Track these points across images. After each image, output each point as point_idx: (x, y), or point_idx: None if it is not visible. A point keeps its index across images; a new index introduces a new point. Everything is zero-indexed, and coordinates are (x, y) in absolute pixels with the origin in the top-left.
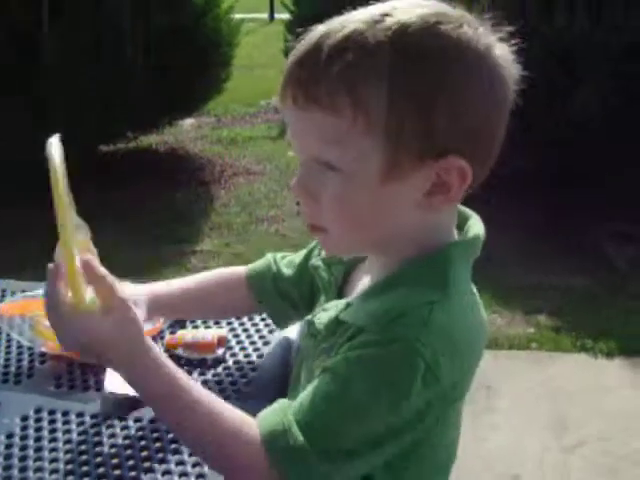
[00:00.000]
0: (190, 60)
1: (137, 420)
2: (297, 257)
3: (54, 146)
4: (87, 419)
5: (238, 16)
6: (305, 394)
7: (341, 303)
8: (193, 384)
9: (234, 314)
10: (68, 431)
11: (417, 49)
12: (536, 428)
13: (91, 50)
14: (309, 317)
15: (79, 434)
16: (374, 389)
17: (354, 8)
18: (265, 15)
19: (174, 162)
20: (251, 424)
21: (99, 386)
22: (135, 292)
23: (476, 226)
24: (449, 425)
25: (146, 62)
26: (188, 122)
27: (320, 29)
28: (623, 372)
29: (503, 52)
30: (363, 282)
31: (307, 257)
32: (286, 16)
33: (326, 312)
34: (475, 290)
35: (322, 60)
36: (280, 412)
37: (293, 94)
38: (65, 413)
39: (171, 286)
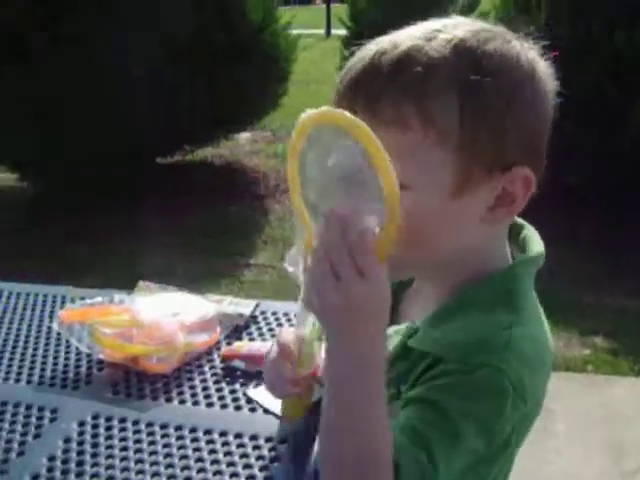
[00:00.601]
0: (247, 75)
1: (192, 430)
2: None
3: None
4: (143, 427)
5: (295, 32)
6: (406, 425)
7: (403, 329)
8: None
9: None
10: (124, 438)
11: (480, 62)
12: (594, 453)
13: (150, 64)
14: None
15: (135, 442)
16: (470, 416)
17: (409, 24)
18: (322, 31)
19: (229, 175)
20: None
21: (155, 395)
22: None
23: (536, 241)
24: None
25: (203, 76)
26: (244, 136)
27: (371, 48)
28: None
29: (544, 67)
30: (420, 304)
31: None
32: (342, 32)
33: (390, 338)
34: (538, 302)
35: (383, 77)
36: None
37: (353, 113)
38: (122, 420)
39: None
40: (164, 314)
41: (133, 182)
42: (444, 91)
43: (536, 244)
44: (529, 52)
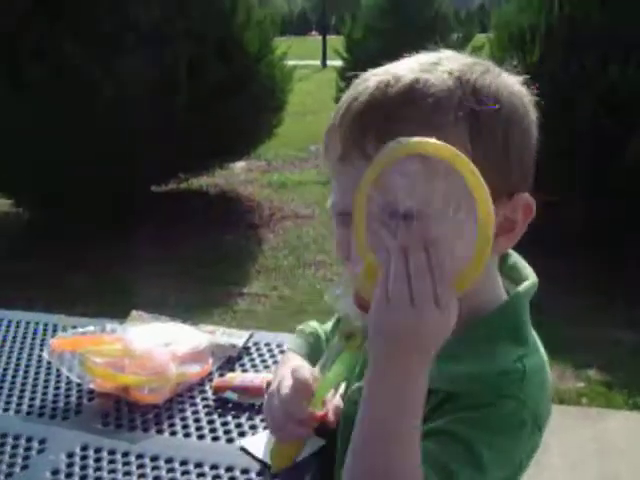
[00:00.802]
0: (243, 105)
1: (183, 462)
2: (329, 324)
3: None
4: (133, 459)
5: (291, 63)
6: (427, 457)
7: None
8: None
9: None
10: (113, 470)
11: (481, 93)
12: None
13: (146, 94)
14: (362, 383)
15: (125, 474)
16: (493, 448)
17: (405, 56)
18: (318, 62)
19: (224, 204)
20: None
21: (146, 426)
22: None
23: (527, 268)
24: None
25: (200, 106)
26: (239, 165)
27: (369, 81)
28: None
29: (529, 97)
30: None
31: (339, 321)
32: (338, 63)
33: None
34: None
35: (393, 109)
36: None
37: (362, 150)
38: (111, 452)
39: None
40: (156, 344)
41: (127, 210)
42: (455, 122)
43: (528, 272)
44: (516, 85)
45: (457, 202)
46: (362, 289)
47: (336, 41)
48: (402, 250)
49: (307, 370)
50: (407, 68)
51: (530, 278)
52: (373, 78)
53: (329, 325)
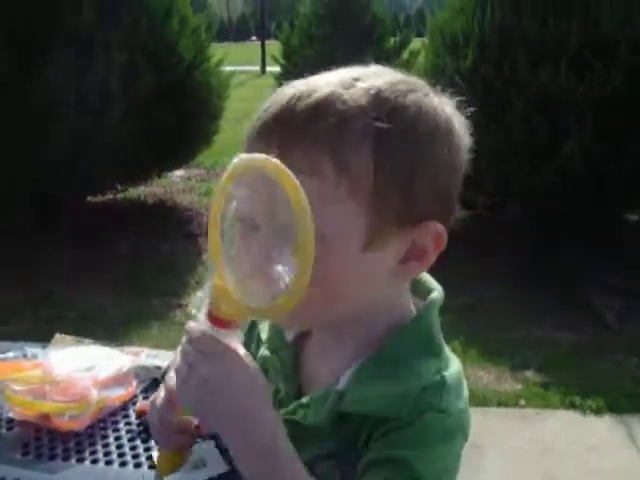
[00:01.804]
0: (179, 113)
1: None
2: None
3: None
4: None
5: (229, 69)
6: None
7: (329, 394)
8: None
9: None
10: None
11: (395, 114)
12: None
13: (79, 103)
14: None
15: None
16: (424, 461)
17: (338, 64)
18: (257, 67)
19: (162, 214)
20: None
21: (66, 455)
22: None
23: (431, 281)
24: None
25: (135, 115)
26: (177, 174)
27: (286, 92)
28: (612, 430)
29: (460, 120)
30: (331, 362)
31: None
32: (277, 69)
33: (309, 408)
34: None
35: (296, 125)
36: None
37: None
38: None
39: None
40: (78, 369)
41: (60, 222)
42: (359, 142)
43: (433, 283)
44: (446, 106)
45: (284, 223)
46: (212, 302)
47: (275, 47)
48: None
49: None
50: (326, 82)
51: (436, 289)
52: (289, 90)
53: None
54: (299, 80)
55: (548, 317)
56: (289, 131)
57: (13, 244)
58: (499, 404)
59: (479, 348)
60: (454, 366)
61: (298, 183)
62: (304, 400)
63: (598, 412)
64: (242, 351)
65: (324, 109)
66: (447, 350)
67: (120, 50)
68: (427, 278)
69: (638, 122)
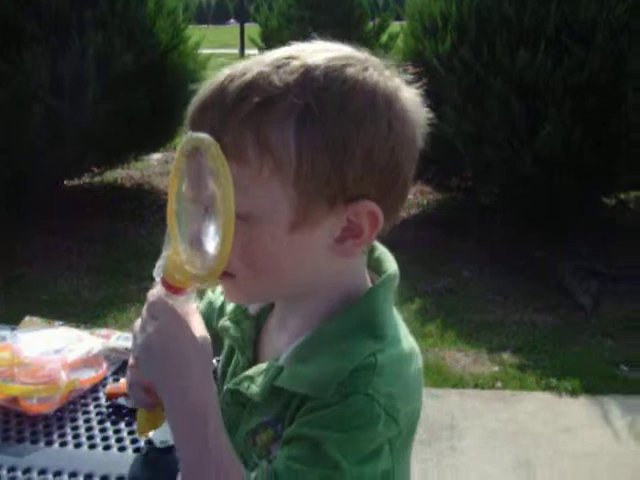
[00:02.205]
0: (156, 96)
1: (72, 475)
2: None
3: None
4: (19, 474)
5: (208, 51)
6: (279, 467)
7: (270, 368)
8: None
9: None
10: None
11: (324, 93)
12: (501, 469)
13: (54, 85)
14: (230, 385)
15: None
16: (344, 446)
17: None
18: (236, 50)
19: (140, 197)
20: None
21: (35, 438)
22: None
23: (389, 260)
24: (406, 467)
25: (111, 97)
26: (154, 157)
27: (224, 72)
28: (588, 411)
29: (410, 95)
30: (283, 336)
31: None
32: (256, 52)
33: (253, 380)
34: (399, 317)
35: (226, 106)
36: None
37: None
38: None
39: None
40: (47, 351)
41: (34, 205)
42: (281, 121)
43: (389, 264)
44: (390, 81)
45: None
46: (166, 270)
47: (254, 29)
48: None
49: None
50: (260, 62)
51: (389, 270)
52: (224, 72)
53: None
54: (242, 61)
55: (525, 300)
56: (220, 112)
57: None
58: (476, 386)
59: (456, 330)
60: (399, 349)
61: (222, 155)
62: (250, 372)
63: (574, 394)
64: (193, 317)
65: (251, 90)
66: (400, 332)
67: (95, 31)
68: (387, 258)
69: (615, 106)
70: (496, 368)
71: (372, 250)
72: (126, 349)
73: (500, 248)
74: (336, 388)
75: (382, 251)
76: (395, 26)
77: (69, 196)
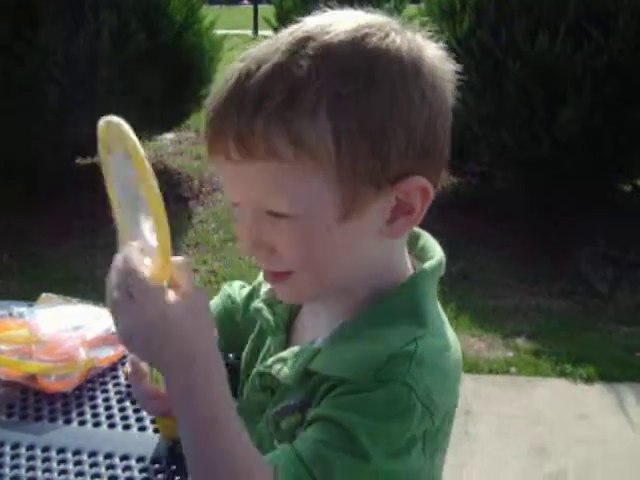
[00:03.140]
0: (170, 76)
1: (92, 454)
2: (245, 291)
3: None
4: (38, 452)
5: (221, 32)
6: (304, 447)
7: (304, 351)
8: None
9: None
10: (16, 466)
11: (349, 73)
12: (516, 455)
13: (69, 64)
14: (260, 368)
15: (28, 469)
16: (374, 435)
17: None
18: (249, 31)
19: None
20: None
21: (53, 416)
22: None
23: (435, 249)
24: (438, 471)
25: (125, 77)
26: (168, 137)
27: (237, 67)
28: (603, 398)
29: (434, 52)
30: (319, 321)
31: (251, 294)
32: (270, 32)
33: (286, 362)
34: (442, 311)
35: (248, 106)
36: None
37: (224, 150)
38: (15, 445)
39: None
40: (65, 328)
41: (52, 184)
42: (312, 112)
43: (436, 252)
44: (412, 41)
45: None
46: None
47: (268, 10)
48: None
49: None
50: (275, 49)
51: (435, 257)
52: (237, 66)
53: (245, 291)
54: (251, 50)
55: (540, 285)
56: (244, 114)
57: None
58: (490, 371)
59: (471, 315)
60: (440, 341)
61: (130, 132)
62: (284, 354)
63: (589, 380)
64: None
65: (272, 85)
66: (441, 326)
67: (110, 11)
68: (432, 245)
69: (635, 91)
70: (510, 354)
71: (416, 238)
72: None
73: (516, 233)
74: (373, 374)
75: (426, 239)
76: (411, 9)
77: (83, 175)
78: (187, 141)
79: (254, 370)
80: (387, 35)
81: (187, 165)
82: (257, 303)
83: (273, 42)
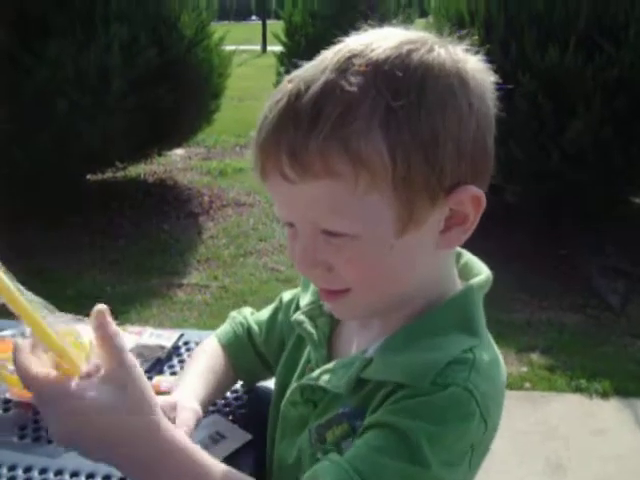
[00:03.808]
0: (179, 91)
1: (105, 478)
2: (265, 313)
3: None
4: (51, 476)
5: (230, 47)
6: (357, 454)
7: (356, 360)
8: (214, 466)
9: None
10: None
11: (401, 85)
12: (531, 471)
13: (79, 79)
14: (303, 381)
15: None
16: (434, 440)
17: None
18: (258, 47)
19: (162, 193)
20: None
21: None
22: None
23: (481, 265)
24: (473, 476)
25: (135, 93)
26: (178, 152)
27: (286, 89)
28: (619, 413)
29: (475, 64)
30: (367, 333)
31: (276, 313)
32: (279, 48)
33: (335, 372)
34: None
35: (302, 125)
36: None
37: (280, 170)
38: (27, 469)
39: (199, 385)
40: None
41: (62, 199)
42: (366, 128)
43: (482, 268)
44: (455, 54)
45: None
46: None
47: (276, 26)
48: None
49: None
50: (321, 69)
51: (483, 273)
52: (285, 87)
53: (264, 313)
54: (298, 71)
55: (552, 299)
56: (298, 134)
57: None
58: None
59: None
60: (491, 353)
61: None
62: (330, 365)
63: (604, 395)
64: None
65: (324, 103)
66: (489, 339)
67: (120, 25)
68: (476, 263)
69: None
70: (524, 369)
71: (459, 256)
72: (159, 346)
73: (526, 246)
74: (433, 378)
75: (469, 257)
76: (420, 22)
77: (92, 191)
78: (197, 157)
79: (293, 385)
80: (432, 49)
81: (197, 181)
82: (298, 315)
83: (318, 63)
